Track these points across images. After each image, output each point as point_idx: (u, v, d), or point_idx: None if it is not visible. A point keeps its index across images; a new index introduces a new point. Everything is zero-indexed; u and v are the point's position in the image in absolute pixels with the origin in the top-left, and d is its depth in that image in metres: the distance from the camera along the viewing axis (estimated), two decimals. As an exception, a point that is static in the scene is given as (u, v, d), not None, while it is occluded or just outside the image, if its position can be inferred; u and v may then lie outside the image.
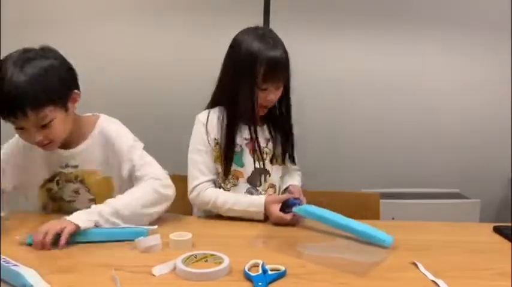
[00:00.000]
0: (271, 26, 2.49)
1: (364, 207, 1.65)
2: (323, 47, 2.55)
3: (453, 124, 2.64)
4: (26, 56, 1.21)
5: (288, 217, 1.36)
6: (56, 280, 0.95)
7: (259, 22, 2.48)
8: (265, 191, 1.54)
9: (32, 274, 0.93)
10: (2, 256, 1.00)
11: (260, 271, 1.00)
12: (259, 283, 0.95)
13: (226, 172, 1.49)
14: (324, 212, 1.32)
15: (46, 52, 1.27)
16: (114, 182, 1.42)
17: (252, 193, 1.52)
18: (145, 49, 2.50)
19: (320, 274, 1.04)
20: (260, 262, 1.04)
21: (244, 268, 1.02)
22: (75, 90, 1.32)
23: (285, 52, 1.42)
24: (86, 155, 1.39)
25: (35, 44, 1.27)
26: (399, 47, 2.58)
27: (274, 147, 1.56)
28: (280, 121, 1.55)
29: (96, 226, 1.21)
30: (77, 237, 1.18)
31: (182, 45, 2.53)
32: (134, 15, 2.52)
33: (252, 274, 0.99)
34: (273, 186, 1.56)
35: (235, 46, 1.45)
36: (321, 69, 2.53)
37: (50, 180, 1.42)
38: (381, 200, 1.72)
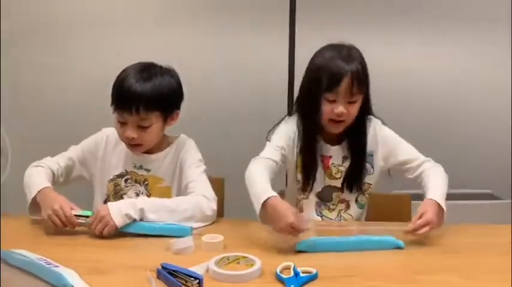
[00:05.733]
0: (297, 23, 2.50)
1: (395, 209, 1.64)
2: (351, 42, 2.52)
3: (484, 123, 2.59)
4: (154, 69, 1.43)
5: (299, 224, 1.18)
6: (93, 280, 0.98)
7: (285, 21, 2.52)
8: (336, 205, 1.53)
9: (72, 275, 0.98)
10: (43, 257, 1.05)
11: (292, 274, 1.01)
12: (291, 286, 0.97)
13: (304, 185, 1.49)
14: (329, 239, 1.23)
15: (170, 71, 1.47)
16: (172, 192, 1.51)
17: (320, 207, 1.53)
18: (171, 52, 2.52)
19: (351, 276, 1.04)
20: (292, 264, 1.05)
21: (276, 270, 1.03)
22: (177, 110, 1.49)
23: (359, 66, 1.38)
24: (159, 163, 1.51)
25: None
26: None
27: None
28: (353, 141, 1.49)
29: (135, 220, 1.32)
30: (121, 228, 1.29)
31: (204, 45, 2.56)
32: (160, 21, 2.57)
33: (284, 276, 1.00)
34: (344, 201, 1.53)
35: (311, 58, 1.45)
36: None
37: (119, 176, 1.52)
38: (412, 202, 1.71)
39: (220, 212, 1.54)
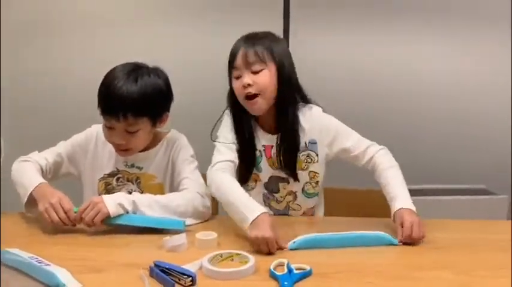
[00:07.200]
0: (292, 21, 2.50)
1: (388, 205, 1.64)
2: (344, 40, 2.52)
3: (478, 118, 2.60)
4: (140, 70, 1.38)
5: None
6: (86, 279, 0.98)
7: (280, 18, 2.52)
8: (283, 197, 1.52)
9: (64, 274, 0.97)
10: (34, 256, 1.04)
11: (285, 270, 1.01)
12: (285, 282, 0.96)
13: (245, 176, 1.49)
14: (320, 236, 1.22)
15: (158, 72, 1.42)
16: (165, 189, 1.50)
17: (268, 198, 1.52)
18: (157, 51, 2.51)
19: (345, 272, 1.04)
20: (285, 261, 1.04)
21: (270, 267, 1.03)
22: (167, 112, 1.46)
23: (259, 44, 1.39)
24: (151, 160, 1.50)
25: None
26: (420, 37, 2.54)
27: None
28: (284, 127, 1.46)
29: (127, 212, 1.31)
30: (113, 219, 1.28)
31: (199, 45, 2.55)
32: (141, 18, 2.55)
33: (278, 273, 1.00)
34: (292, 193, 1.52)
35: None
36: (342, 62, 2.49)
37: (111, 175, 1.50)
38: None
39: (214, 209, 1.53)
